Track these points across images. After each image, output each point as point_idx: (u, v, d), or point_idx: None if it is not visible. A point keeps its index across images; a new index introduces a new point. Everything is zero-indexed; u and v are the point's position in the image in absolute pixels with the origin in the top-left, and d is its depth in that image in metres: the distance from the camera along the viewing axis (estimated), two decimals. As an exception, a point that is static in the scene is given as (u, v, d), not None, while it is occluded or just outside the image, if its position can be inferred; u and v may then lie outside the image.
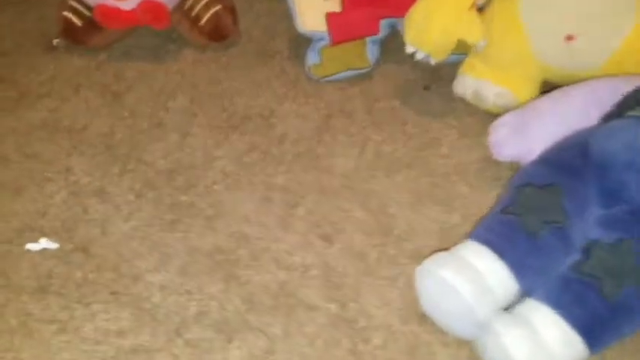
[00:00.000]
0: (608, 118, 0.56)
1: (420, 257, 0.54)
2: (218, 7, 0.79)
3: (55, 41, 0.81)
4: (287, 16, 0.78)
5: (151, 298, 0.55)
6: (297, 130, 0.71)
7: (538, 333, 0.46)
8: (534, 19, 0.66)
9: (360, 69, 0.76)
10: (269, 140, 0.70)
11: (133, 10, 0.76)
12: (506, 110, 0.66)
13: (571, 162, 0.51)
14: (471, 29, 0.66)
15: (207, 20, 0.79)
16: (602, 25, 0.64)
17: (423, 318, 0.53)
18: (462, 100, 0.71)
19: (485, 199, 0.61)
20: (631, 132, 0.51)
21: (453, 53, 0.68)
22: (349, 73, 0.76)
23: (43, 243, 0.59)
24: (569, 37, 0.64)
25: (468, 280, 0.48)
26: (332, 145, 0.69)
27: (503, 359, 0.46)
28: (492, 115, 0.67)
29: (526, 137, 0.60)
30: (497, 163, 0.64)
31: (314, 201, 0.63)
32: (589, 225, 0.49)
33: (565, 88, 0.63)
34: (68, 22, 0.80)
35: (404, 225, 0.61)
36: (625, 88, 0.57)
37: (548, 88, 0.68)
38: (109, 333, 0.53)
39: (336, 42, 0.74)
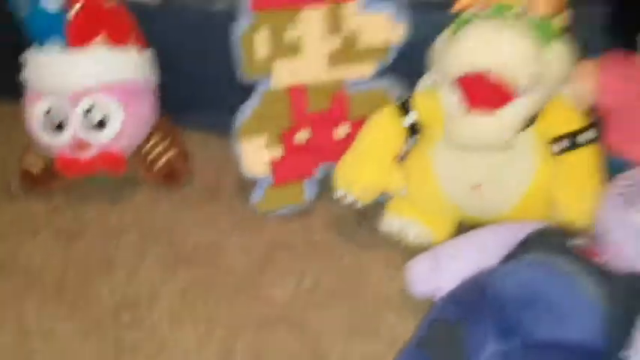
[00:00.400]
0: (507, 259, 0.62)
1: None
2: (171, 154, 0.87)
3: (14, 188, 0.87)
4: (235, 158, 0.85)
5: None
6: (241, 263, 0.76)
7: None
8: (445, 170, 0.73)
9: (299, 205, 0.83)
10: (214, 274, 0.74)
11: (91, 160, 0.82)
12: (427, 246, 0.72)
13: (472, 300, 0.56)
14: (393, 180, 0.74)
15: (162, 166, 0.87)
16: (506, 175, 0.71)
17: None
18: (389, 235, 0.78)
19: (409, 326, 0.64)
20: (525, 274, 0.57)
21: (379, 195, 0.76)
22: (290, 209, 0.83)
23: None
24: (476, 187, 0.71)
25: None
26: (273, 277, 0.74)
27: None
28: (416, 248, 0.74)
29: (438, 276, 0.66)
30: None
31: (253, 334, 0.67)
32: (486, 360, 0.53)
33: (475, 231, 0.69)
34: (28, 173, 0.86)
35: (336, 356, 0.64)
36: (524, 232, 0.63)
37: (465, 227, 0.74)
38: None
39: (277, 183, 0.83)
